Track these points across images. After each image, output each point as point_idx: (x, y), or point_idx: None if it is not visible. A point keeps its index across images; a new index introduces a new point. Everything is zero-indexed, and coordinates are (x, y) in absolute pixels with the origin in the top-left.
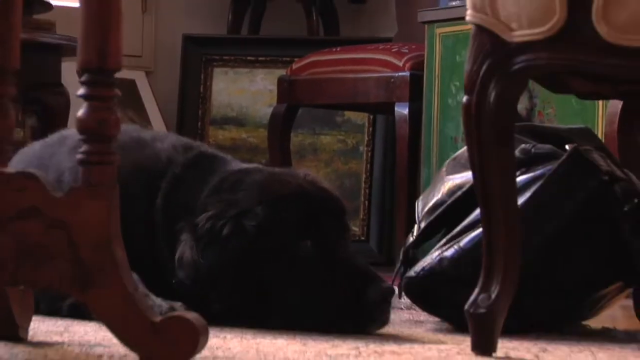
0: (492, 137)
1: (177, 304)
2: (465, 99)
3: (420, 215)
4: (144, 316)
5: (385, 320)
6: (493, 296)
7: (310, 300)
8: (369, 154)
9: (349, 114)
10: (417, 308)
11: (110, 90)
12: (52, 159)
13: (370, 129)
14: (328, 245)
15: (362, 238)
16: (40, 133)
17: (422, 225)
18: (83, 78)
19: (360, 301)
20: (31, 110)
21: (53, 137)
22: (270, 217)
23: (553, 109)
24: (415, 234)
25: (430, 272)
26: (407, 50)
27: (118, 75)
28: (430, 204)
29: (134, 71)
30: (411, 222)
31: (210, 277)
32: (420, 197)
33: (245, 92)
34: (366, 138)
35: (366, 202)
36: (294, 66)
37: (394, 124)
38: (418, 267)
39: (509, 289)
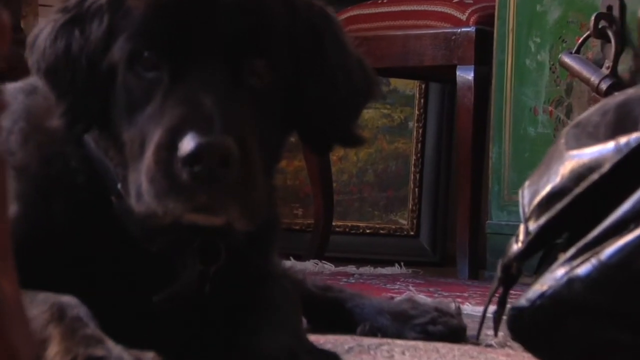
0: None
1: (149, 356)
2: None
3: (527, 210)
4: None
5: (202, 206)
6: None
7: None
8: (420, 131)
9: (395, 82)
10: (514, 345)
11: None
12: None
13: (422, 100)
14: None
15: (411, 233)
16: None
17: (532, 226)
18: None
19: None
20: None
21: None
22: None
23: None
24: (522, 238)
25: (554, 301)
26: (471, 1)
27: None
28: (544, 192)
29: None
30: (476, 216)
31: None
32: (526, 183)
33: None
34: (416, 112)
35: (416, 190)
36: None
37: (453, 93)
38: (533, 294)
39: None
